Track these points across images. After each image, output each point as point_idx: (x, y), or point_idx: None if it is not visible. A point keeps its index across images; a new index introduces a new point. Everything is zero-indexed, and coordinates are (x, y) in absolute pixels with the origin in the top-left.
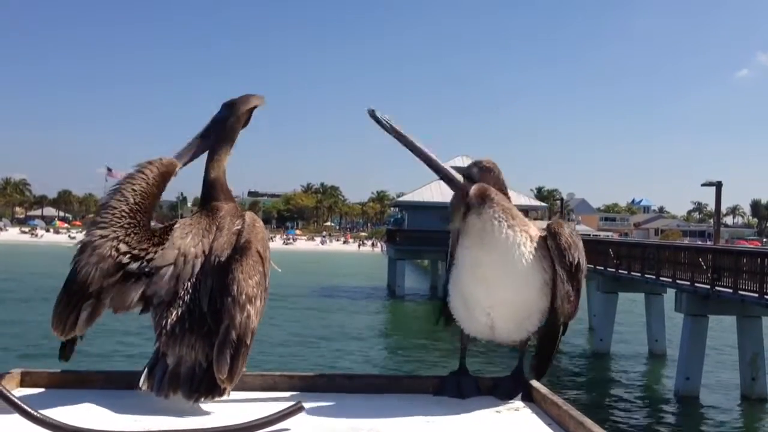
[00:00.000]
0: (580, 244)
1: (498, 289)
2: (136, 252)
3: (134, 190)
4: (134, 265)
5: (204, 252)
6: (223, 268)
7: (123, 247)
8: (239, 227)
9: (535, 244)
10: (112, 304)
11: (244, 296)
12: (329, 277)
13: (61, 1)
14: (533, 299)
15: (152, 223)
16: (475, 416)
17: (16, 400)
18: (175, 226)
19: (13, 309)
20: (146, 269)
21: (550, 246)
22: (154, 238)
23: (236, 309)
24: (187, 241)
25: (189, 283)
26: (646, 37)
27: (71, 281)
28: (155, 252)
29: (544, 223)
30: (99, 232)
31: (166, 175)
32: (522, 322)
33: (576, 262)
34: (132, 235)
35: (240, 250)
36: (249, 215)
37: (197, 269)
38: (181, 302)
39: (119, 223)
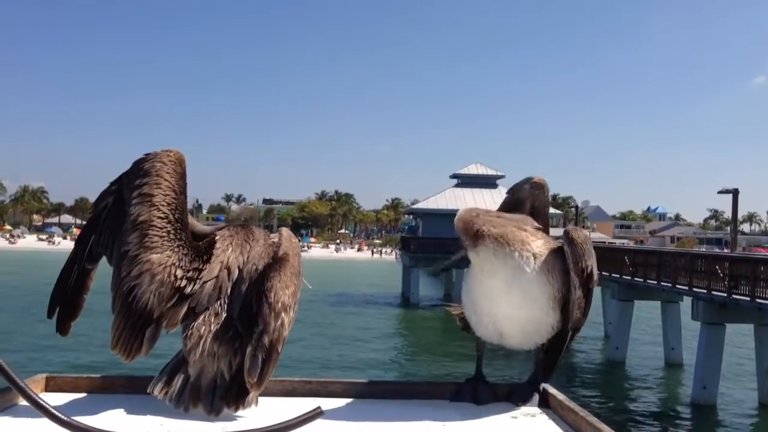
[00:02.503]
0: (593, 253)
1: (501, 304)
2: (190, 274)
3: (168, 203)
4: (189, 288)
5: (244, 263)
6: (260, 276)
7: (179, 272)
8: (276, 240)
9: (540, 260)
10: (167, 324)
11: (280, 304)
12: (344, 284)
13: (78, 9)
14: (540, 316)
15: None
16: (492, 422)
17: (44, 404)
18: (216, 238)
19: (35, 315)
20: (196, 287)
21: (566, 252)
22: (203, 256)
23: (271, 316)
24: (228, 253)
25: (224, 293)
26: (661, 44)
27: (131, 306)
28: (205, 269)
29: (558, 230)
30: (155, 257)
31: (184, 176)
32: (530, 334)
33: (590, 270)
34: (184, 258)
35: (279, 260)
36: (286, 231)
37: (234, 279)
38: (210, 309)
39: (170, 246)
